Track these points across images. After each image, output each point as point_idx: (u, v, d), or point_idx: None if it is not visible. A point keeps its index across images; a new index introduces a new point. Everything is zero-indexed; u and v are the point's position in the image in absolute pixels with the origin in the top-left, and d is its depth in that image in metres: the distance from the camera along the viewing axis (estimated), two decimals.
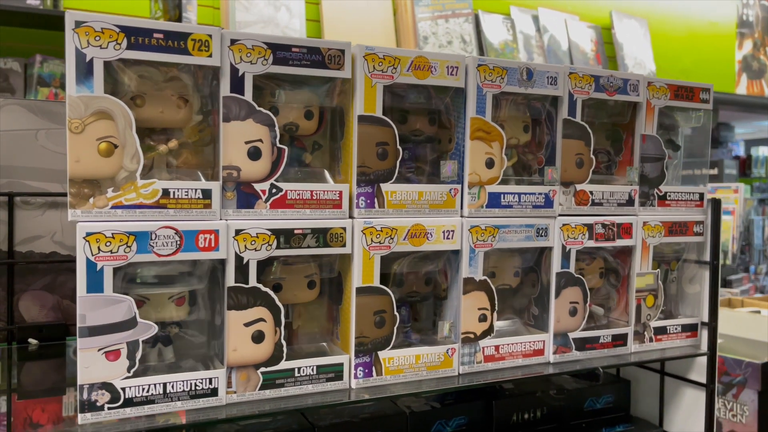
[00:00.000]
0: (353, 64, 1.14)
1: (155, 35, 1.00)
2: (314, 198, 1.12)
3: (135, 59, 1.00)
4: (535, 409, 1.54)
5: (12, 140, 1.34)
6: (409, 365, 1.21)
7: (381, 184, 1.17)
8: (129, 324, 1.01)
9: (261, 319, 1.09)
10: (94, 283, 0.98)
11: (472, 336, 1.26)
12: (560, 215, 1.33)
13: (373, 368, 1.18)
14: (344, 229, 1.14)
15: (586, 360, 1.37)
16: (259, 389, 1.10)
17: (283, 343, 1.11)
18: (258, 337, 1.09)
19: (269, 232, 1.08)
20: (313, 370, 1.14)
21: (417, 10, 4.31)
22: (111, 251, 0.98)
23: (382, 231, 1.16)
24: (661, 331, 1.47)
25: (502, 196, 1.27)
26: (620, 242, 1.39)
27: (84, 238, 0.97)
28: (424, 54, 1.18)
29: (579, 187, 1.34)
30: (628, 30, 5.12)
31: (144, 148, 1.02)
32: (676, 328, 1.49)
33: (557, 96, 1.32)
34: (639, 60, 5.07)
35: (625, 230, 1.40)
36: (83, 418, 0.99)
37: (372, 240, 1.16)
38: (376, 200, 1.17)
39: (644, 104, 1.41)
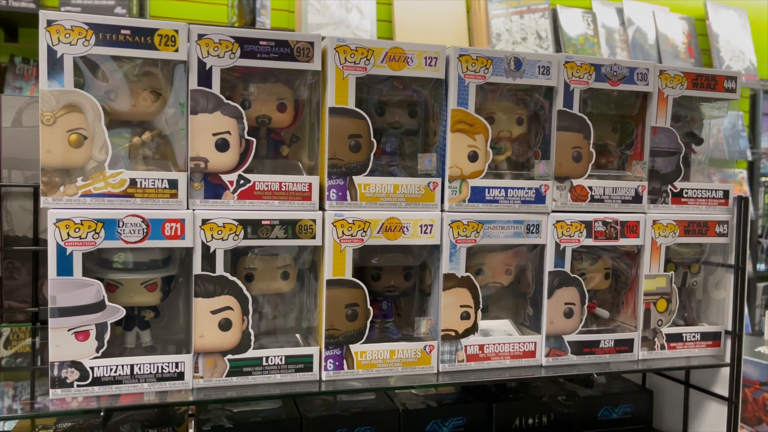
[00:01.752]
0: (324, 56, 1.15)
1: (122, 31, 1.04)
2: (283, 189, 1.13)
3: (104, 55, 1.05)
4: (541, 414, 1.48)
5: (37, 136, 1.44)
6: (383, 360, 1.20)
7: (354, 177, 1.16)
8: (97, 307, 1.06)
9: (228, 308, 1.12)
10: (64, 267, 1.04)
11: (452, 334, 1.23)
12: (554, 211, 1.27)
13: (345, 361, 1.18)
14: (314, 221, 1.14)
15: (584, 365, 1.30)
16: (226, 376, 1.13)
17: (251, 331, 1.13)
18: (225, 325, 1.12)
19: (236, 222, 1.11)
20: (281, 360, 1.15)
21: (491, 6, 4.24)
22: (80, 237, 1.04)
23: (354, 224, 1.16)
24: (675, 338, 1.37)
25: (486, 190, 1.23)
26: (625, 242, 1.31)
27: (54, 224, 1.03)
28: (400, 44, 1.17)
29: (576, 182, 1.28)
30: (725, 21, 4.79)
31: (120, 140, 1.07)
32: (694, 336, 1.38)
33: (552, 87, 1.26)
34: (737, 52, 4.73)
35: (631, 229, 1.31)
36: (53, 393, 1.05)
37: (343, 233, 1.15)
38: (348, 192, 1.16)
39: (655, 94, 1.32)
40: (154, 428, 1.35)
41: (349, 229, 1.16)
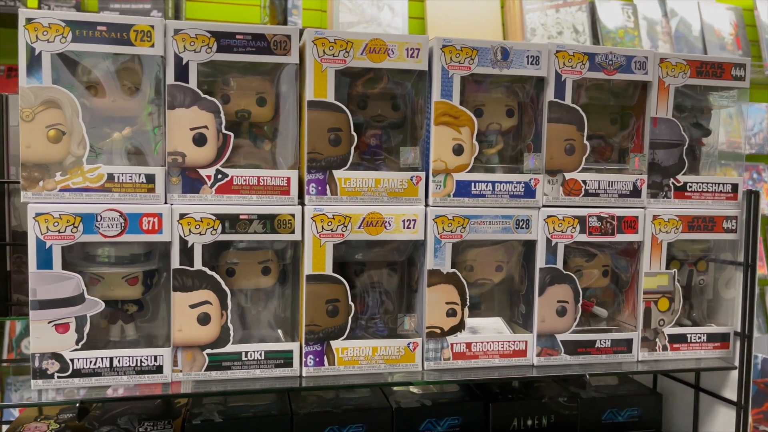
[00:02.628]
0: (303, 49, 1.13)
1: (98, 28, 1.06)
2: (261, 184, 1.13)
3: (81, 51, 1.06)
4: (540, 415, 1.43)
5: None
6: (365, 357, 1.18)
7: (333, 171, 1.15)
8: (77, 300, 1.08)
9: (206, 302, 1.12)
10: (44, 260, 1.06)
11: (438, 331, 1.20)
12: (545, 206, 1.23)
13: (325, 357, 1.16)
14: (293, 215, 1.13)
15: (579, 366, 1.26)
16: (205, 370, 1.13)
17: (230, 326, 1.13)
18: (203, 319, 1.12)
19: (213, 217, 1.11)
20: (261, 355, 1.15)
21: (525, 1, 4.16)
22: (59, 231, 1.06)
23: (334, 218, 1.15)
24: (678, 339, 1.31)
25: (472, 184, 1.19)
26: (622, 238, 1.26)
27: (34, 218, 1.05)
28: (380, 36, 1.15)
29: (569, 175, 1.23)
30: None
31: (100, 135, 1.09)
32: (699, 337, 1.32)
33: (542, 77, 1.22)
34: None
35: (629, 224, 1.26)
36: (35, 384, 1.07)
37: (323, 227, 1.14)
38: (328, 187, 1.15)
39: (655, 83, 1.26)
40: (150, 421, 1.36)
41: (329, 224, 1.14)
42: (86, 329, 1.08)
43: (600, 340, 1.27)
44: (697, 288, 1.37)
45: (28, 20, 1.04)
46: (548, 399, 1.45)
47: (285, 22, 3.70)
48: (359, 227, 1.16)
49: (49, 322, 1.07)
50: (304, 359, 1.16)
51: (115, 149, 1.13)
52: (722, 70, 1.29)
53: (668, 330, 1.30)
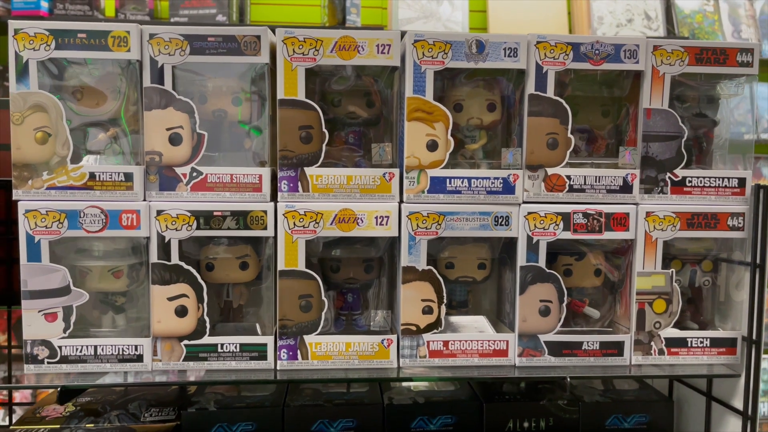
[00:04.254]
0: (274, 49, 1.16)
1: (79, 35, 1.12)
2: (234, 181, 1.16)
3: (63, 58, 1.13)
4: (538, 418, 1.39)
5: None
6: (339, 352, 1.19)
7: (305, 168, 1.16)
8: (63, 291, 1.15)
9: (184, 295, 1.17)
10: (33, 254, 1.14)
11: (413, 328, 1.20)
12: (525, 202, 1.19)
13: (299, 352, 1.18)
14: (265, 212, 1.16)
15: (564, 368, 1.21)
16: (183, 360, 1.18)
17: (206, 318, 1.17)
18: (181, 312, 1.17)
19: (189, 214, 1.15)
20: (236, 347, 1.18)
21: None
22: (46, 226, 1.13)
23: (305, 215, 1.16)
24: (677, 343, 1.23)
25: (447, 180, 1.18)
26: (610, 235, 1.20)
27: (24, 214, 1.13)
28: (350, 33, 1.15)
29: (551, 170, 1.19)
30: None
31: (87, 136, 1.16)
32: (701, 342, 1.24)
33: (522, 69, 1.18)
34: None
35: (619, 221, 1.20)
36: (27, 369, 1.16)
37: (295, 224, 1.16)
38: (300, 184, 1.17)
39: (649, 72, 1.20)
40: (158, 407, 1.44)
41: (301, 220, 1.16)
42: (73, 318, 1.15)
43: (587, 342, 1.22)
44: (703, 289, 1.29)
45: (17, 30, 1.12)
46: (547, 401, 1.40)
47: (344, 21, 3.74)
48: (331, 224, 1.17)
49: (39, 312, 1.15)
50: (278, 353, 1.18)
51: (101, 149, 1.20)
52: (726, 56, 1.20)
53: (666, 333, 1.23)
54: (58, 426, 1.35)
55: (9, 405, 1.70)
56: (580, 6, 4.02)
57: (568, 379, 1.17)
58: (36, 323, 1.15)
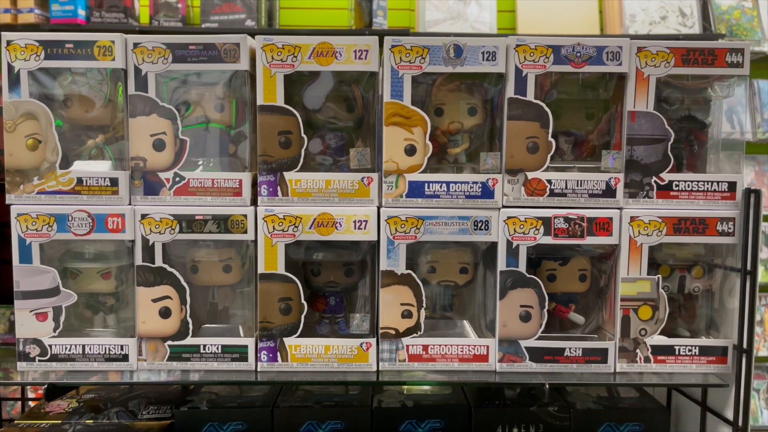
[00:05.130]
0: (253, 56, 1.18)
1: (66, 45, 1.16)
2: (215, 186, 1.19)
3: (52, 68, 1.18)
4: (528, 424, 1.37)
5: None
6: (318, 355, 1.20)
7: (284, 173, 1.18)
8: (53, 292, 1.19)
9: (167, 297, 1.20)
10: (25, 256, 1.18)
11: (392, 332, 1.20)
12: (505, 207, 1.18)
13: (279, 354, 1.20)
14: (245, 216, 1.18)
15: (545, 374, 1.20)
16: (167, 360, 1.21)
17: (189, 320, 1.20)
18: (165, 313, 1.20)
19: (171, 217, 1.18)
20: (218, 348, 1.20)
21: None
22: (36, 230, 1.18)
23: (285, 219, 1.18)
24: (664, 350, 1.20)
25: (426, 185, 1.18)
26: (593, 240, 1.18)
27: (16, 218, 1.18)
28: (328, 39, 1.16)
29: (531, 175, 1.17)
30: None
31: (77, 143, 1.20)
32: (690, 350, 1.21)
33: (502, 73, 1.17)
34: None
35: (601, 226, 1.18)
36: (20, 366, 1.20)
37: (274, 228, 1.18)
38: (279, 188, 1.18)
39: (633, 75, 1.17)
40: (156, 405, 1.48)
41: (280, 224, 1.18)
42: (62, 318, 1.20)
43: (570, 349, 1.20)
44: (693, 296, 1.25)
45: (9, 42, 1.17)
46: (538, 407, 1.38)
47: (370, 24, 3.76)
48: (310, 228, 1.18)
49: (30, 311, 1.19)
50: (258, 355, 1.20)
51: (90, 154, 1.24)
52: (714, 57, 1.17)
53: (652, 341, 1.20)
54: (60, 421, 1.40)
55: (22, 400, 1.78)
56: (611, 4, 3.94)
57: (547, 386, 1.15)
58: (28, 322, 1.19)
